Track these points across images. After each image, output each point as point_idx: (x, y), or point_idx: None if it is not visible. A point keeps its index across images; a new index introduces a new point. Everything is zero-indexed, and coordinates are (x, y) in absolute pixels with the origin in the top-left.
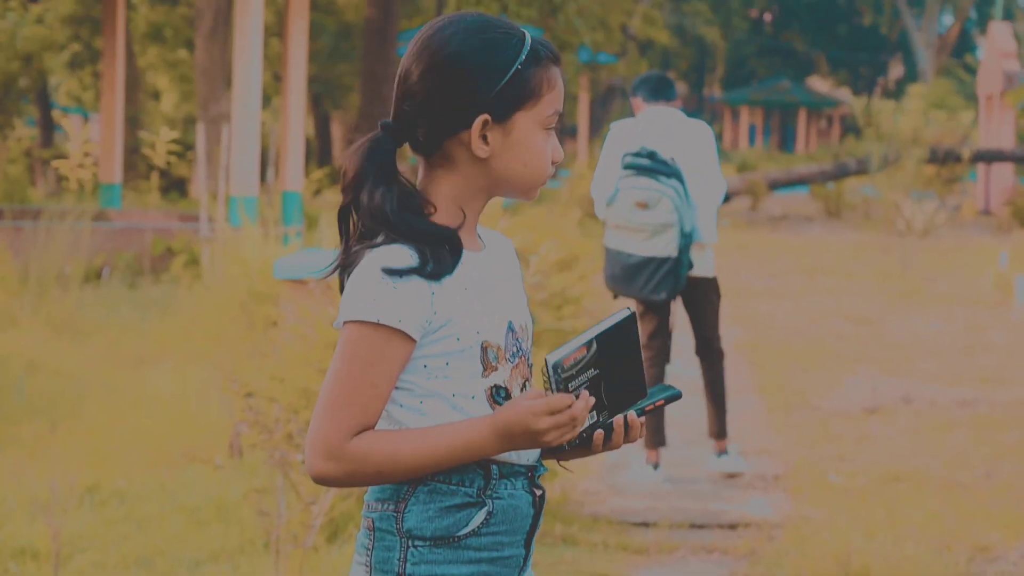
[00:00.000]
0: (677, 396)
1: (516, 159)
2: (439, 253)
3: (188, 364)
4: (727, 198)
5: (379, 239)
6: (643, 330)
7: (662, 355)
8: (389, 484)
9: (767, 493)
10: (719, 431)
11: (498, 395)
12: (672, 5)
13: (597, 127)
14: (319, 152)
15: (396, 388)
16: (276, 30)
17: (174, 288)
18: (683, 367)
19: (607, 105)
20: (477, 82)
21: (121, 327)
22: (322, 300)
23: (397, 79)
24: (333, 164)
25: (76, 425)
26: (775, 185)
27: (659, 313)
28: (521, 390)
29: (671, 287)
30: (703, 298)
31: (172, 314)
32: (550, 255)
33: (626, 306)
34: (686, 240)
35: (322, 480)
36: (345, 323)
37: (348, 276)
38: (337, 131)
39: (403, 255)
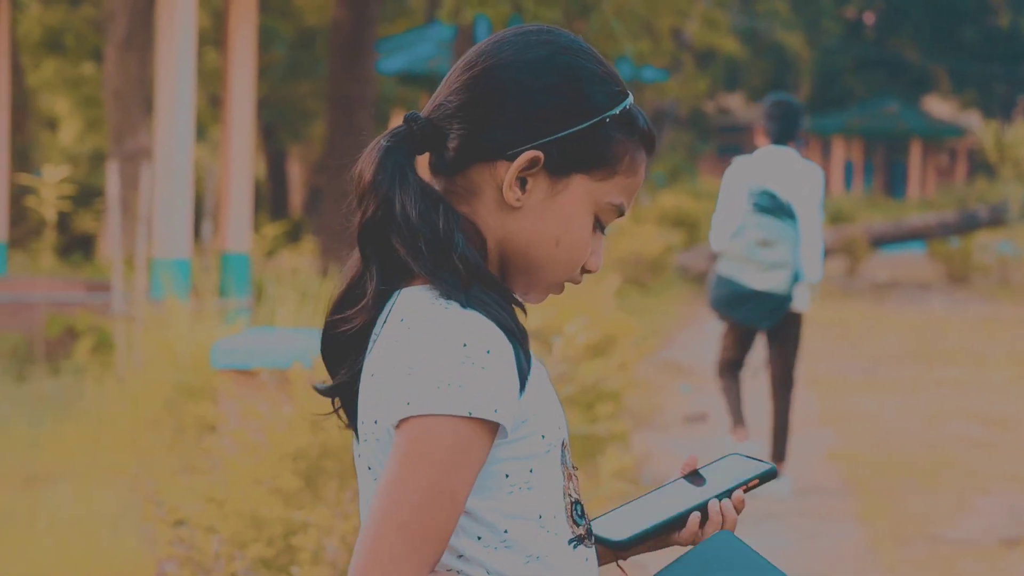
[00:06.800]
0: (773, 473)
1: (549, 230)
2: (519, 323)
3: (96, 483)
4: None
5: (416, 282)
6: (732, 348)
7: (738, 365)
8: None
9: None
10: (778, 454)
11: (576, 511)
12: (741, 4)
13: None
14: (272, 200)
15: (466, 515)
16: (214, 37)
17: (77, 381)
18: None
19: (656, 136)
20: (548, 107)
21: (5, 433)
22: (276, 395)
23: (454, 68)
24: (290, 217)
25: None
26: (880, 241)
27: (749, 340)
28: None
29: (775, 319)
30: (791, 331)
31: (74, 416)
32: (579, 337)
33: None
34: (795, 279)
35: None
36: (412, 418)
37: (373, 338)
38: (296, 172)
39: (484, 324)
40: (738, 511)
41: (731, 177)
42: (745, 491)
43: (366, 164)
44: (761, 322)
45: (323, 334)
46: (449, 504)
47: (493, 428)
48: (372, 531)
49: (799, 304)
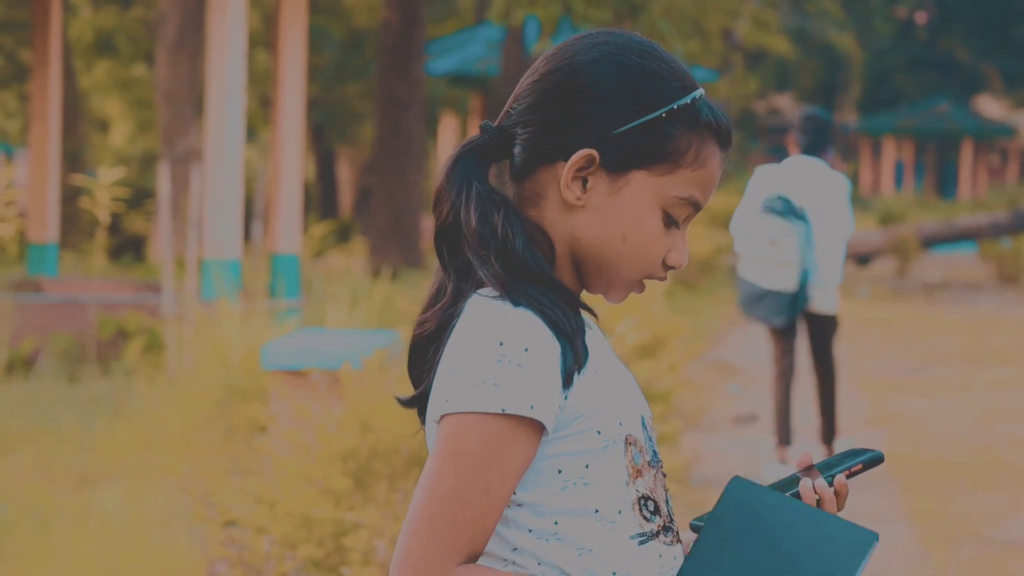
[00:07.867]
0: (879, 458)
1: (614, 227)
2: (578, 322)
3: (147, 483)
4: (866, 260)
5: (483, 289)
6: (775, 349)
7: (789, 373)
8: None
9: None
10: (828, 434)
11: (646, 508)
12: (792, 4)
13: None
14: (322, 201)
15: (518, 507)
16: (264, 39)
17: (127, 382)
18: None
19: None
20: (599, 106)
21: (57, 434)
22: (326, 396)
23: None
24: (339, 217)
25: None
26: (931, 242)
27: (785, 336)
28: (666, 505)
29: (787, 315)
30: (822, 331)
31: (125, 417)
32: (629, 337)
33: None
34: (804, 277)
35: None
36: (450, 415)
37: (441, 343)
38: (345, 173)
39: (528, 322)
40: (841, 495)
41: (755, 184)
42: (848, 476)
43: (441, 171)
44: (775, 319)
45: (411, 337)
46: (482, 499)
47: (534, 424)
48: (408, 523)
49: (822, 305)
